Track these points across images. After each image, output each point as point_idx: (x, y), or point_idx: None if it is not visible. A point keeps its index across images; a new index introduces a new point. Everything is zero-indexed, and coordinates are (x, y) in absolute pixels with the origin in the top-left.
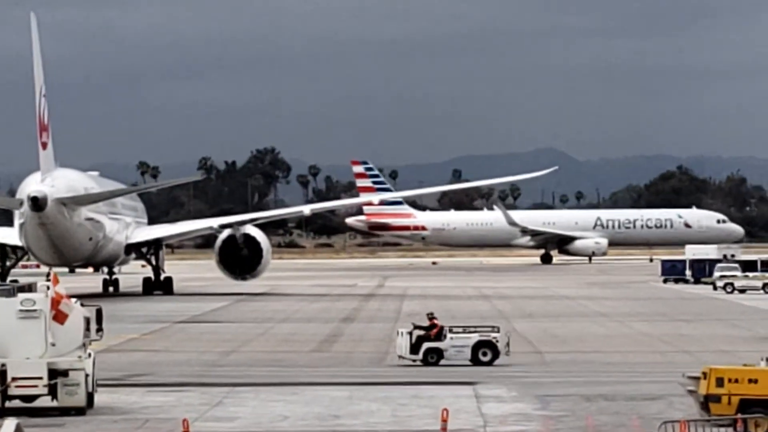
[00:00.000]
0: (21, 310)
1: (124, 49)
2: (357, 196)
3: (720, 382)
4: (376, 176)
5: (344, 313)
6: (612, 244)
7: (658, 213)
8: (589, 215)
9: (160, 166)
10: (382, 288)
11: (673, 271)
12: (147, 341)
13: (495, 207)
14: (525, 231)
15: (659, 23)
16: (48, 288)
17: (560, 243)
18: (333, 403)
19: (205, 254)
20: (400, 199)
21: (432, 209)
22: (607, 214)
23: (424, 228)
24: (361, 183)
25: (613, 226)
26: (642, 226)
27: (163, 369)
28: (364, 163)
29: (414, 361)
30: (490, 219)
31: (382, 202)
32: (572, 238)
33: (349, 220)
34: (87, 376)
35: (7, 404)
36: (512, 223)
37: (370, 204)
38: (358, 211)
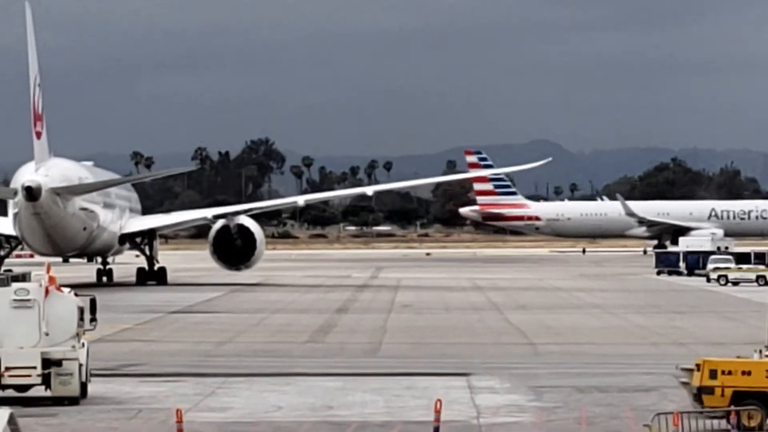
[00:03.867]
0: (15, 300)
1: (119, 40)
2: (350, 186)
3: (713, 374)
4: (490, 166)
5: (338, 304)
6: (727, 234)
7: None
8: (703, 206)
9: (154, 157)
10: (375, 279)
11: (667, 263)
12: (141, 331)
13: (604, 197)
14: (642, 221)
15: (654, 16)
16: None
17: (675, 234)
18: (327, 394)
19: (199, 244)
20: (514, 189)
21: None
22: (721, 205)
23: (538, 218)
24: (475, 173)
25: (728, 217)
26: (757, 217)
27: (156, 359)
28: (478, 152)
29: None
30: (604, 209)
31: (493, 192)
32: (688, 229)
33: (463, 210)
34: (80, 365)
35: (1, 394)
36: (630, 214)
37: (483, 194)
38: (472, 201)
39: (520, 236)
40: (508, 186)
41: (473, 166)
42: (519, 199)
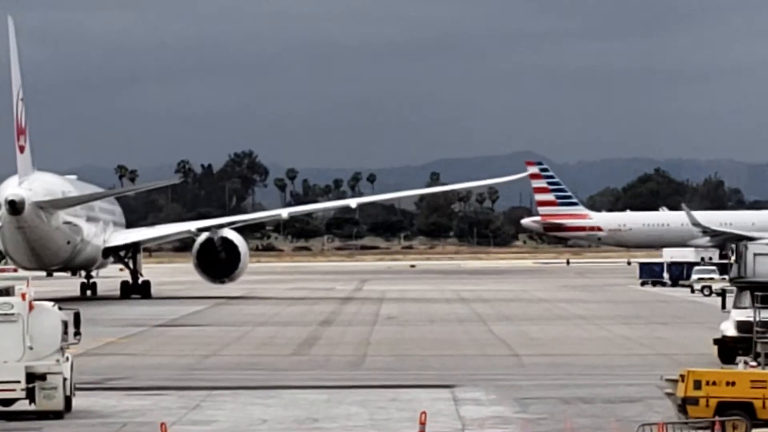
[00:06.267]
0: None
1: (102, 53)
2: (334, 199)
3: (698, 385)
4: (551, 177)
5: (322, 317)
6: None
7: None
8: (765, 215)
9: (138, 170)
10: (360, 291)
11: (651, 274)
12: (125, 345)
13: (663, 208)
14: (706, 231)
15: (637, 26)
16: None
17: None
18: (311, 407)
19: (183, 258)
20: (575, 200)
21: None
22: None
23: (599, 229)
24: (536, 184)
25: None
26: None
27: (140, 372)
28: (539, 163)
29: None
30: (666, 219)
31: (554, 203)
32: (750, 239)
33: (525, 221)
34: (65, 379)
35: None
36: (696, 224)
37: (544, 204)
38: (533, 212)
39: (504, 248)
40: (569, 197)
41: (535, 177)
42: (580, 209)
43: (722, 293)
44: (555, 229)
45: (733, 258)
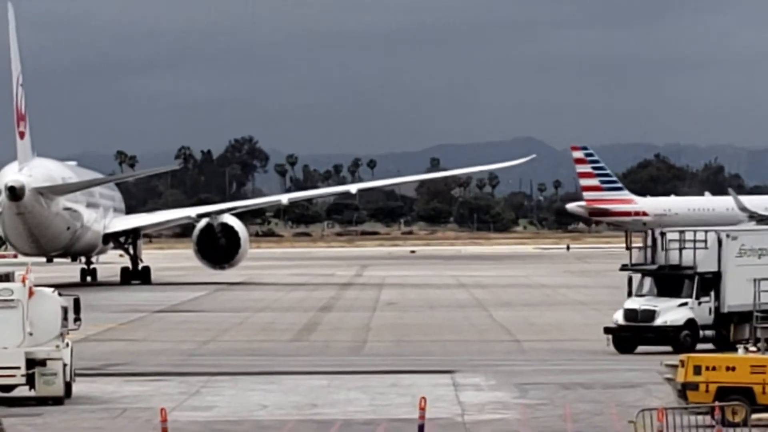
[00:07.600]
0: None
1: (102, 40)
2: (334, 184)
3: (698, 370)
4: (596, 161)
5: (322, 303)
6: None
7: None
8: None
9: (138, 156)
10: (360, 277)
11: None
12: (125, 331)
13: (707, 192)
14: (753, 216)
15: (636, 12)
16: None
17: None
18: (311, 392)
19: (183, 243)
20: (620, 185)
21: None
22: None
23: (645, 214)
24: (580, 169)
25: None
26: None
27: (141, 358)
28: (584, 148)
29: None
30: (711, 204)
31: (597, 188)
32: None
33: (570, 206)
34: (65, 365)
35: None
36: (743, 209)
37: (589, 189)
38: (578, 197)
39: (504, 233)
40: (614, 181)
41: (579, 161)
42: (625, 194)
43: (629, 280)
44: (600, 214)
45: (640, 244)
